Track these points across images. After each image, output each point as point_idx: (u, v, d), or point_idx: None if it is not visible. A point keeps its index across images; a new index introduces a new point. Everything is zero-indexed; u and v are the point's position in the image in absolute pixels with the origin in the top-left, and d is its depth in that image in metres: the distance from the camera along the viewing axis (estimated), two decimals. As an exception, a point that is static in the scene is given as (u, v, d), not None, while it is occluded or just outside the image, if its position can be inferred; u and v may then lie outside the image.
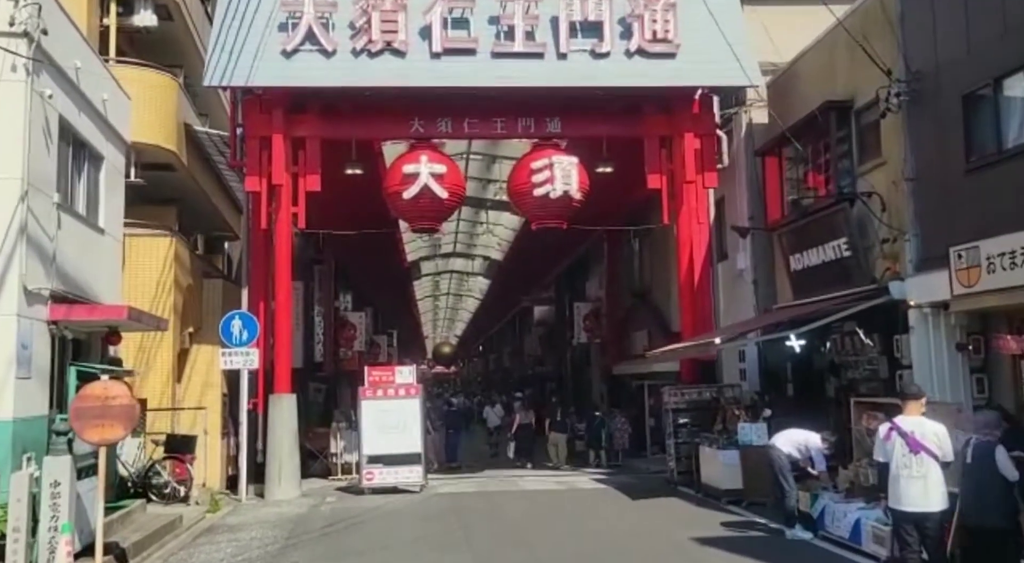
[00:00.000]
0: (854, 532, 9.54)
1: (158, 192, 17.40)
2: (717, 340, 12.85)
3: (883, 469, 7.38)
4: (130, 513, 11.60)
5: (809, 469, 10.94)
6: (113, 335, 12.06)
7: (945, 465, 7.21)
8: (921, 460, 7.09)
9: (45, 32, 9.54)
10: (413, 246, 34.21)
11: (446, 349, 65.30)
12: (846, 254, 13.22)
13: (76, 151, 11.51)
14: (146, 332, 14.37)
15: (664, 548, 10.20)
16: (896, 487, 7.20)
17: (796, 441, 10.93)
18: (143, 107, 15.21)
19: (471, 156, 24.27)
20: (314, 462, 18.91)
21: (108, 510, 10.81)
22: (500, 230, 31.92)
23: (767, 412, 13.63)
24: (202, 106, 20.33)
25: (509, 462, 20.97)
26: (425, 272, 43.38)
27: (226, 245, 24.19)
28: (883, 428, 7.44)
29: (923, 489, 7.08)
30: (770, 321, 14.83)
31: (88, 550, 9.16)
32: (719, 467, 13.56)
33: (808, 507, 10.60)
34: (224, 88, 16.66)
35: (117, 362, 13.04)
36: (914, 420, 7.32)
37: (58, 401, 10.50)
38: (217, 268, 20.81)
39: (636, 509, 13.50)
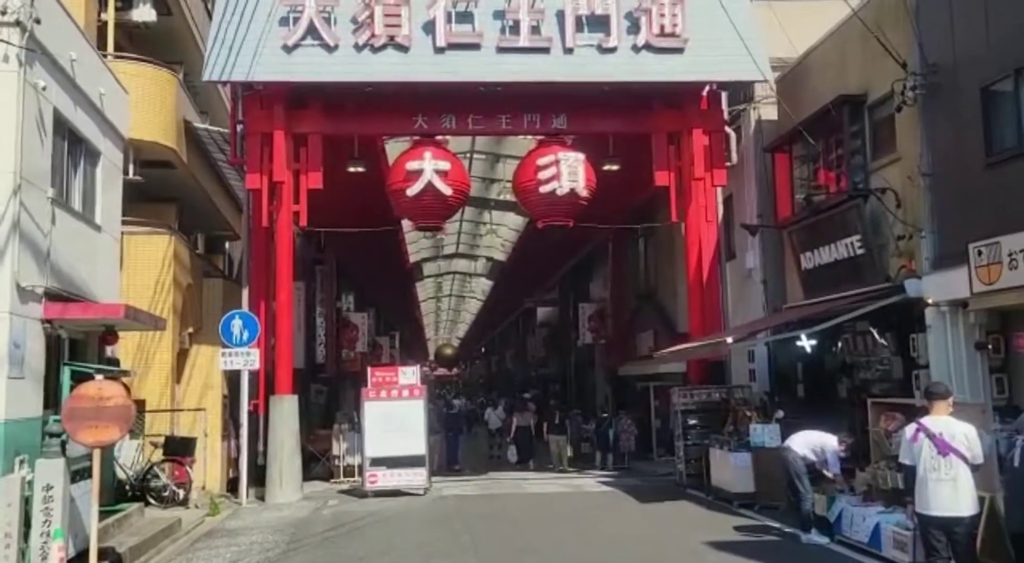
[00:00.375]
0: (873, 537, 9.24)
1: (157, 190, 17.12)
2: (729, 340, 12.54)
3: (909, 472, 7.06)
4: (127, 517, 11.33)
5: (824, 472, 10.63)
6: (110, 335, 11.77)
7: (975, 468, 6.91)
8: (950, 462, 6.78)
9: (38, 21, 9.26)
10: (416, 247, 34.03)
11: (448, 351, 65.04)
12: (859, 252, 12.95)
13: (72, 146, 11.23)
14: (144, 332, 14.12)
15: (678, 553, 9.90)
16: (924, 491, 6.88)
17: (812, 443, 10.63)
18: (142, 103, 14.94)
19: (475, 155, 23.99)
20: (316, 464, 18.68)
21: (104, 514, 10.55)
22: (503, 230, 31.70)
23: (780, 413, 13.33)
24: (202, 104, 20.08)
25: (511, 464, 20.72)
26: (427, 273, 43.19)
27: (227, 245, 23.93)
28: (909, 429, 7.13)
29: (953, 493, 6.77)
30: (781, 321, 14.55)
31: (83, 555, 8.89)
32: (730, 469, 13.26)
33: (824, 511, 10.30)
34: (224, 83, 16.38)
35: (114, 362, 12.77)
36: (942, 420, 7.02)
37: (53, 402, 10.21)
38: (217, 267, 20.54)
39: (646, 512, 13.20)
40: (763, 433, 12.82)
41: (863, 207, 12.76)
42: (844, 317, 12.13)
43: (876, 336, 12.91)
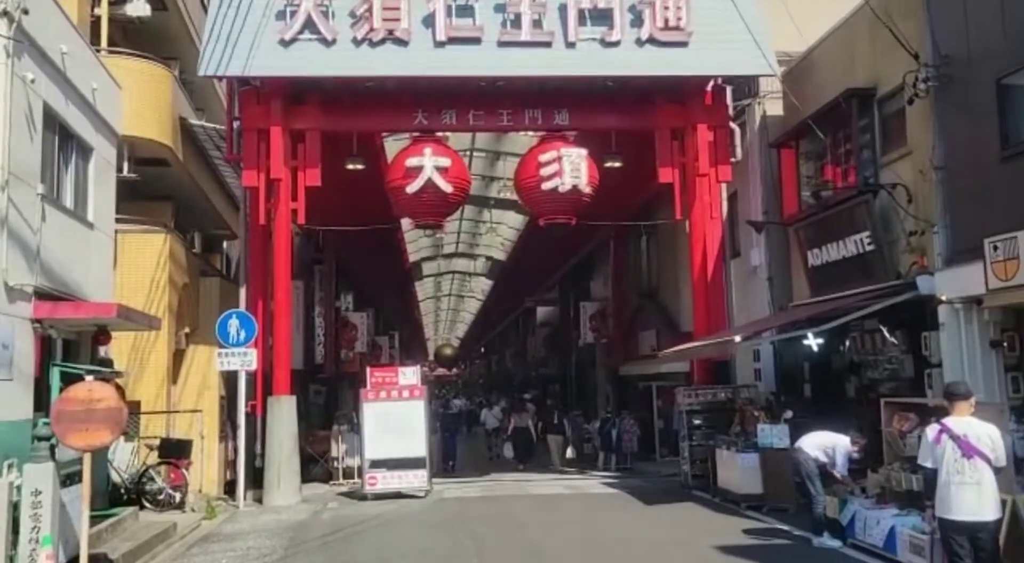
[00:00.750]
0: (889, 540, 8.96)
1: (153, 188, 16.90)
2: (737, 338, 12.24)
3: (931, 475, 6.79)
4: (121, 521, 11.07)
5: (833, 472, 10.36)
6: (102, 335, 11.49)
7: (997, 470, 6.65)
8: (975, 465, 6.51)
9: (26, 12, 8.98)
10: (415, 246, 33.78)
11: (448, 351, 64.77)
12: (869, 248, 12.71)
13: (63, 141, 10.95)
14: (139, 332, 13.87)
15: (686, 557, 9.64)
16: (947, 495, 6.61)
17: (823, 444, 10.34)
18: (136, 99, 14.70)
19: (475, 153, 23.72)
20: (315, 466, 18.44)
21: (98, 518, 10.37)
22: (503, 229, 31.44)
23: (788, 413, 13.05)
24: (199, 101, 19.82)
25: (510, 464, 20.62)
26: (427, 273, 42.94)
27: (224, 244, 23.66)
28: (932, 430, 6.85)
29: (977, 496, 6.50)
30: (788, 319, 14.28)
31: (74, 562, 8.61)
32: (737, 471, 12.98)
33: (836, 513, 10.02)
34: (220, 78, 16.07)
35: (108, 363, 12.49)
36: (964, 421, 6.75)
37: (45, 404, 9.93)
38: (215, 267, 20.25)
39: (652, 515, 12.92)
40: (771, 433, 12.55)
41: (872, 202, 12.51)
42: (854, 315, 11.88)
43: (886, 334, 12.68)
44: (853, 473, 10.37)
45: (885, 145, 12.77)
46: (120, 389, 12.81)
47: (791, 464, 11.04)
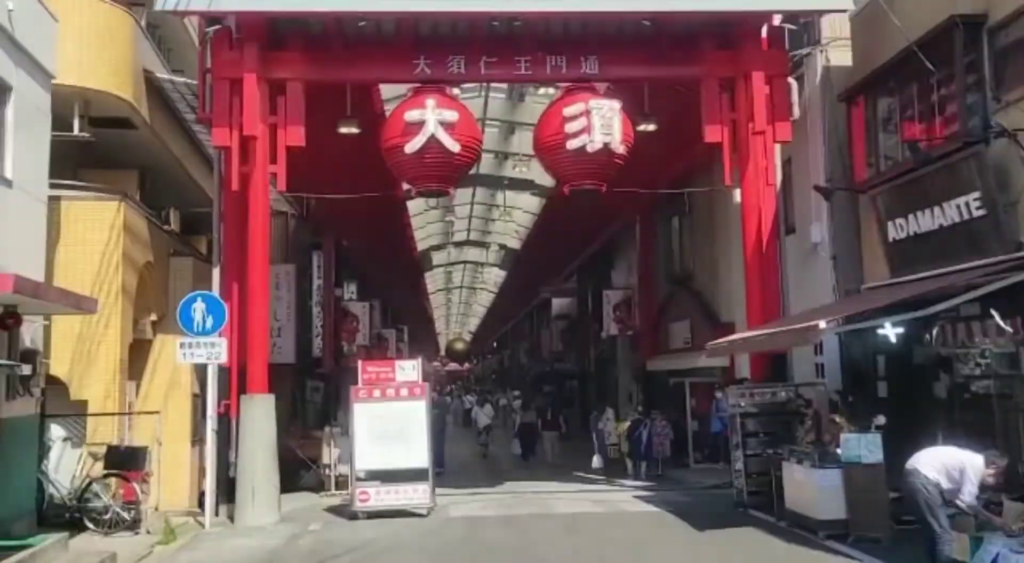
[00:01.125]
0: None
1: (116, 155, 14.67)
2: (822, 324, 9.68)
3: None
4: (41, 553, 8.78)
5: (957, 501, 7.90)
6: (10, 317, 9.17)
7: None
8: None
9: None
10: (423, 233, 31.82)
11: (459, 345, 63.12)
12: (977, 213, 10.27)
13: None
14: (85, 318, 11.67)
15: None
16: None
17: (947, 464, 7.86)
18: (89, 46, 12.71)
19: (487, 122, 21.32)
20: (307, 472, 16.21)
21: (13, 549, 8.18)
22: (518, 214, 29.30)
23: (880, 419, 10.51)
24: (177, 62, 17.59)
25: (508, 462, 19.35)
26: (437, 263, 41.09)
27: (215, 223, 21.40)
28: None
29: None
30: (867, 305, 11.79)
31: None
32: (812, 490, 10.47)
33: (967, 556, 7.57)
34: (183, 14, 13.52)
35: (31, 353, 10.22)
36: None
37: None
38: (191, 245, 17.94)
39: (707, 545, 10.45)
40: (859, 444, 10.00)
41: (985, 155, 10.05)
42: (967, 296, 9.51)
43: (999, 321, 10.19)
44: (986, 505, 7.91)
45: (998, 85, 10.28)
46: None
47: (889, 486, 8.61)
